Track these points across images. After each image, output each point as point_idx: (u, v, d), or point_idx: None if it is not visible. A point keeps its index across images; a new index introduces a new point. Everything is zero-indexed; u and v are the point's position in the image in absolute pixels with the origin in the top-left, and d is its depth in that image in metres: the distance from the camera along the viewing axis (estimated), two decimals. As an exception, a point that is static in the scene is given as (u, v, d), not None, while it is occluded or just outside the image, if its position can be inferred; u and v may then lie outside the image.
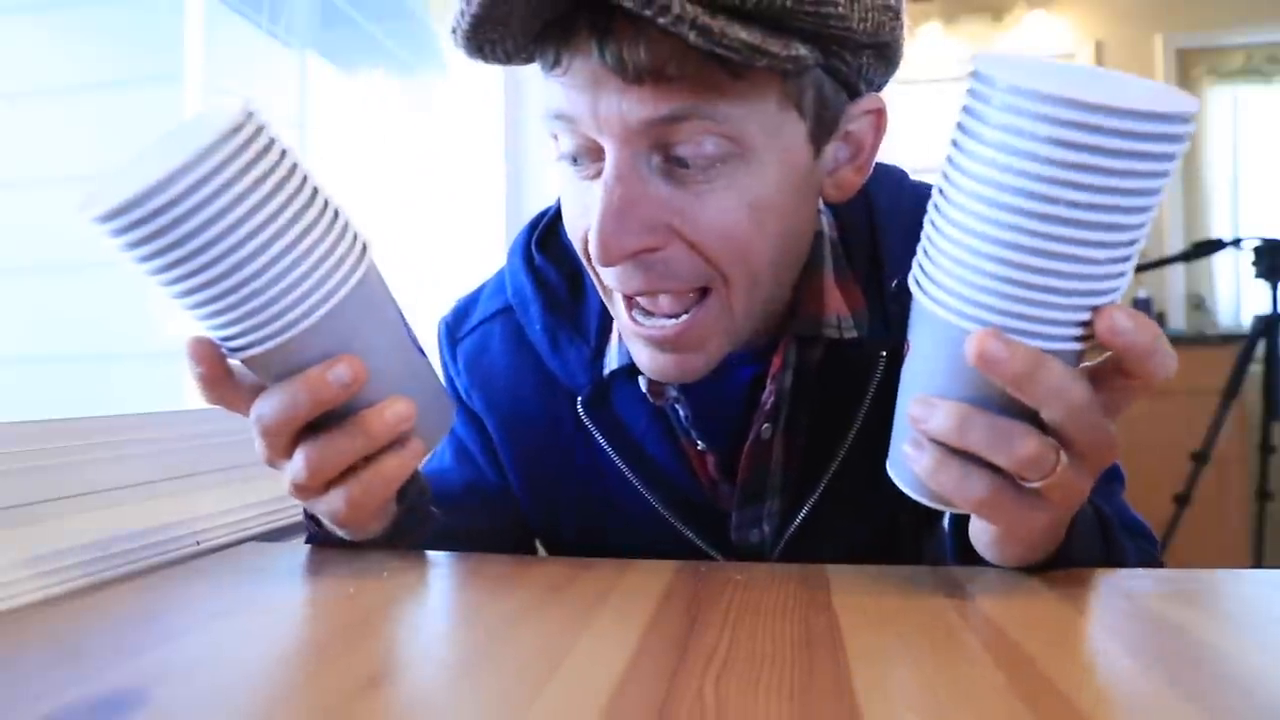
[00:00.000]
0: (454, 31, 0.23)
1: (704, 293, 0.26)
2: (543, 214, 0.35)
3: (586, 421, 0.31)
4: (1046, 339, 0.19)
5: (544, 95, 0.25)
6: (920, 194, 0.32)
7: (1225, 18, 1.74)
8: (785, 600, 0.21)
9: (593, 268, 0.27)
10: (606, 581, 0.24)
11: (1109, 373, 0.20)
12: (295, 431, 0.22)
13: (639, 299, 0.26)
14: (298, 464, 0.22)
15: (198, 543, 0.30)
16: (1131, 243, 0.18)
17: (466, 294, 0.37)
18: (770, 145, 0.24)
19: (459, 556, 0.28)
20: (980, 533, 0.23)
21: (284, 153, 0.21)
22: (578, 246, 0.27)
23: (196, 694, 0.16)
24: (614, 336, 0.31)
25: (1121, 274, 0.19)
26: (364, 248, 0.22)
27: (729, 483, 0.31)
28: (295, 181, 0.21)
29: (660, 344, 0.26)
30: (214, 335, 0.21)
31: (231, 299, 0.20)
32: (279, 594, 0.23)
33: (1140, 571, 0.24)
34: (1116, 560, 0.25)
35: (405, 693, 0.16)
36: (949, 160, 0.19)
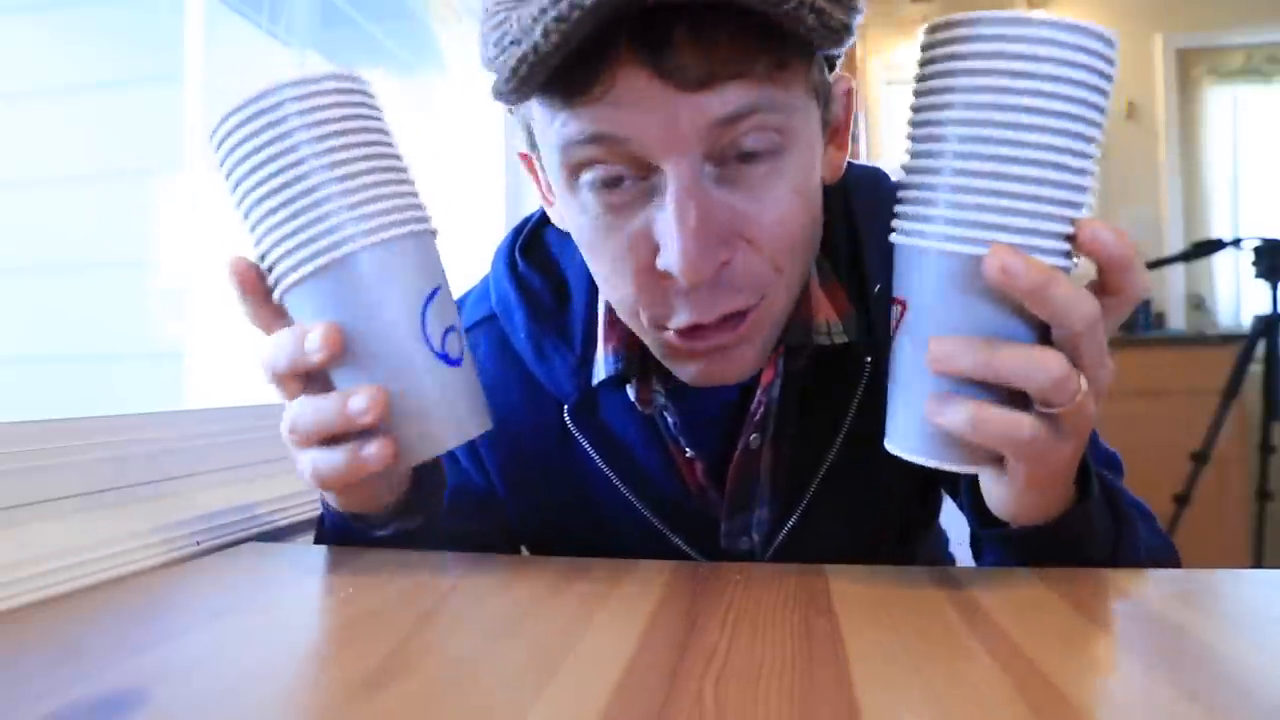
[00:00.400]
0: (515, 74, 0.21)
1: (754, 306, 0.25)
2: (525, 221, 0.35)
3: (574, 430, 0.31)
4: (1041, 253, 0.19)
5: (555, 127, 0.23)
6: (894, 193, 0.32)
7: (1225, 18, 1.74)
8: (785, 600, 0.21)
9: (633, 308, 0.25)
10: (606, 581, 0.24)
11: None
12: (290, 375, 0.23)
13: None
14: (285, 414, 0.24)
15: (198, 543, 0.30)
16: (1091, 156, 0.20)
17: None
18: (803, 132, 0.24)
19: (458, 557, 0.28)
20: (1001, 487, 0.23)
21: (372, 117, 0.23)
22: (613, 282, 0.25)
23: (197, 694, 0.16)
24: (600, 345, 0.31)
25: (1088, 186, 0.20)
26: (417, 223, 0.23)
27: (718, 490, 0.31)
28: (370, 138, 0.23)
29: (712, 350, 0.25)
30: (265, 261, 0.23)
31: (287, 212, 0.22)
32: (279, 594, 0.23)
33: (1141, 572, 0.24)
34: (1127, 530, 0.25)
35: (405, 693, 0.16)
36: (925, 103, 0.20)
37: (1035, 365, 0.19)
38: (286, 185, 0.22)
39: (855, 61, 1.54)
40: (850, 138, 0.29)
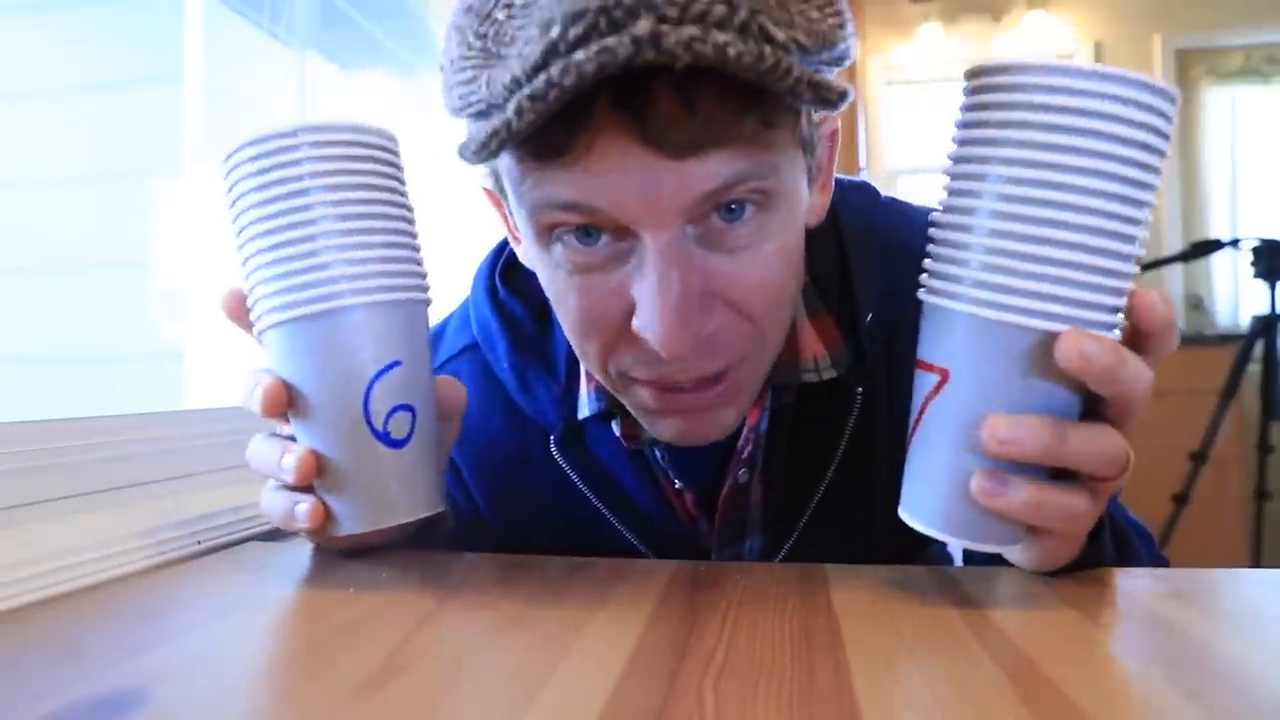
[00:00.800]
0: (484, 148, 0.19)
1: (733, 369, 0.24)
2: (500, 248, 0.34)
3: (561, 461, 0.30)
4: (1096, 326, 0.19)
5: (525, 187, 0.22)
6: (889, 218, 0.31)
7: (1224, 18, 1.74)
8: (785, 600, 0.21)
9: (601, 364, 0.24)
10: (606, 581, 0.24)
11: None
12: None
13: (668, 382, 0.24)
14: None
15: (199, 542, 0.30)
16: (1144, 222, 0.19)
17: (431, 327, 0.36)
18: (787, 187, 0.23)
19: (458, 556, 0.28)
20: (1024, 552, 0.22)
21: (389, 178, 0.23)
22: (581, 336, 0.24)
23: (197, 693, 0.16)
24: (584, 381, 0.30)
25: (1140, 252, 0.19)
26: (395, 291, 0.22)
27: (709, 520, 0.30)
28: (369, 195, 0.22)
29: (689, 410, 0.25)
30: (250, 296, 0.23)
31: (273, 255, 0.22)
32: (279, 594, 0.23)
33: (1139, 571, 0.24)
34: (1128, 554, 0.25)
35: (404, 692, 0.16)
36: (970, 154, 0.19)
37: (1101, 448, 0.19)
38: (284, 228, 0.22)
39: (855, 62, 1.54)
40: (834, 149, 0.28)
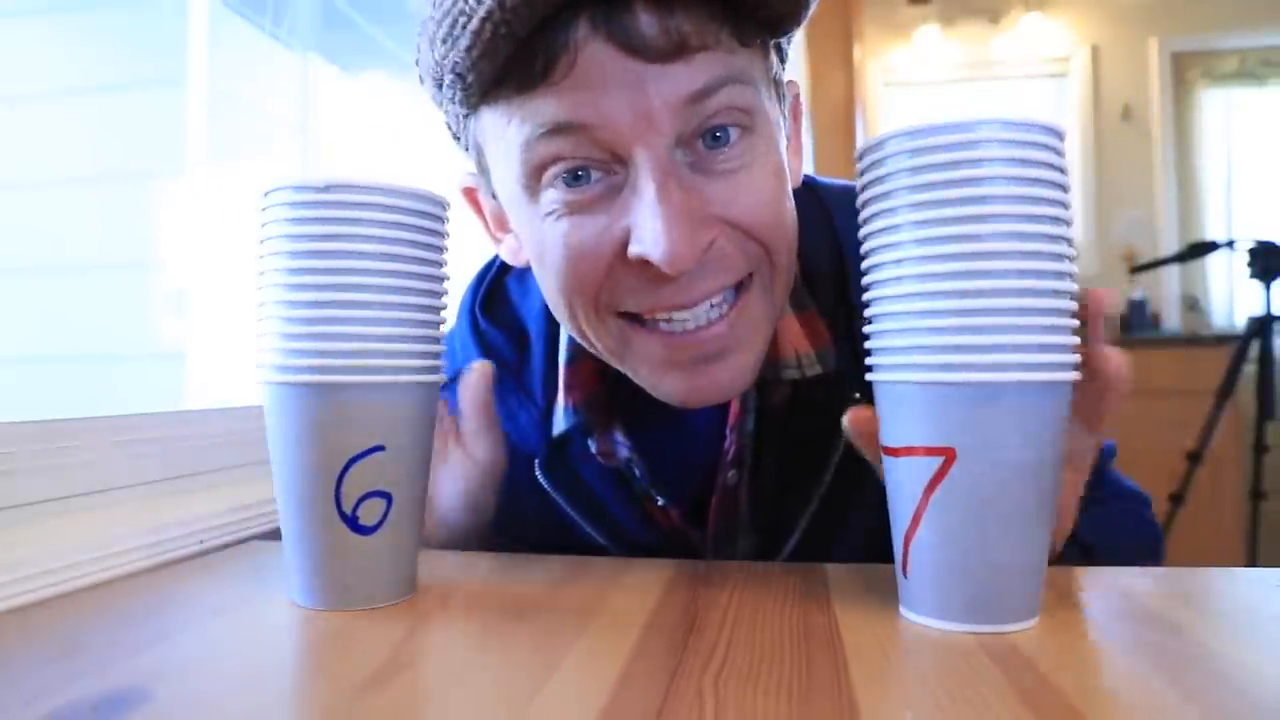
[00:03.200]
0: (453, 74, 0.20)
1: (740, 287, 0.24)
2: (483, 275, 0.34)
3: (545, 484, 0.30)
4: (1057, 369, 0.19)
5: (514, 127, 0.21)
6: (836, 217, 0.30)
7: (1220, 21, 1.75)
8: (785, 600, 0.22)
9: (592, 313, 0.23)
10: (606, 581, 0.24)
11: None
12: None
13: (675, 315, 0.23)
14: None
15: (199, 542, 0.30)
16: (1071, 257, 0.20)
17: None
18: (767, 116, 0.23)
19: (458, 555, 0.28)
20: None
21: (425, 246, 0.22)
22: (574, 281, 0.23)
23: (197, 692, 0.16)
24: (561, 396, 0.30)
25: (1074, 271, 0.20)
26: (423, 384, 0.21)
27: (698, 528, 0.30)
28: (407, 269, 0.21)
29: (698, 359, 0.24)
30: (261, 345, 0.22)
31: (286, 314, 0.21)
32: (280, 593, 0.23)
33: (1137, 571, 0.24)
34: (1109, 545, 0.25)
35: (404, 692, 0.16)
36: (905, 232, 0.19)
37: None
38: (296, 288, 0.21)
39: (853, 64, 1.54)
40: (798, 114, 0.28)
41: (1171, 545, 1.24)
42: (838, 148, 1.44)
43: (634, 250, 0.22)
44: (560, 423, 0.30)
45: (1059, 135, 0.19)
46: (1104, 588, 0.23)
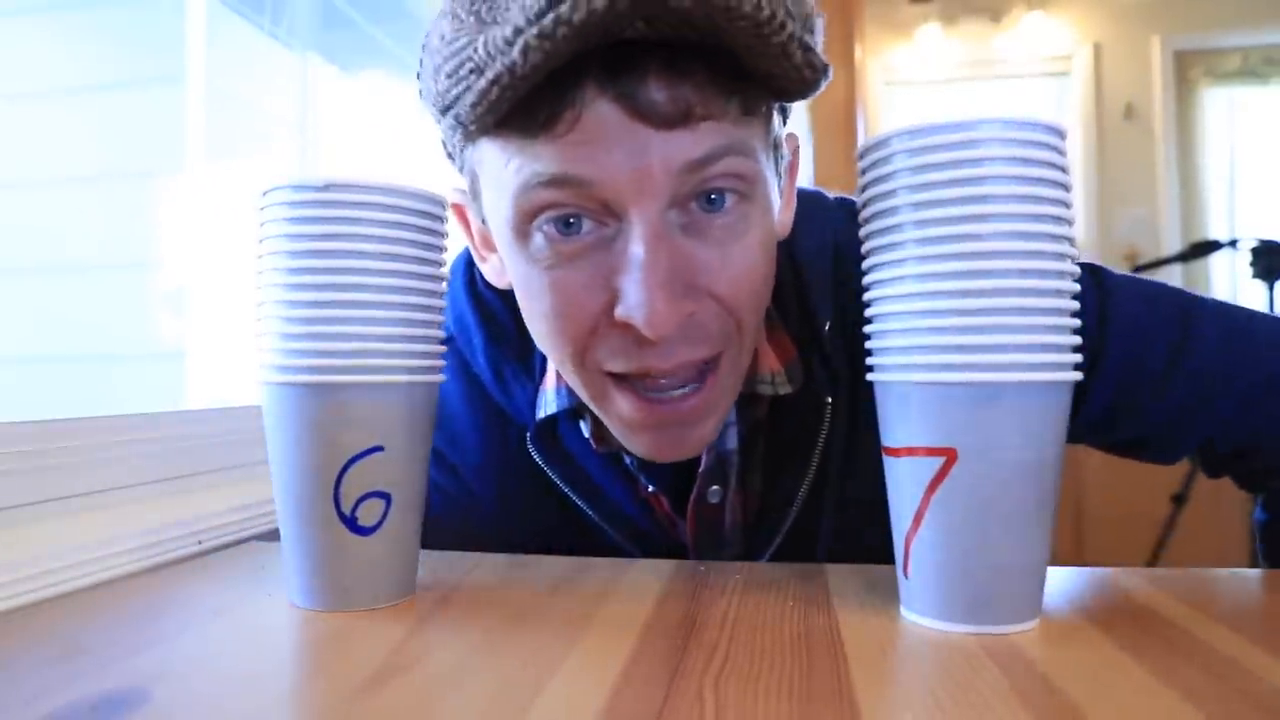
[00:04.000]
0: (484, 99, 0.19)
1: (710, 362, 0.24)
2: None
3: (537, 458, 0.30)
4: (1071, 370, 0.19)
5: (511, 169, 0.21)
6: (840, 222, 0.30)
7: (1222, 20, 1.75)
8: (785, 600, 0.21)
9: (577, 359, 0.24)
10: (607, 581, 0.24)
11: None
12: None
13: (648, 380, 0.23)
14: None
15: (199, 542, 0.30)
16: (1071, 256, 0.19)
17: None
18: (763, 181, 0.24)
19: (458, 556, 0.28)
20: None
21: (423, 246, 0.22)
22: (558, 334, 0.23)
23: (197, 693, 0.16)
24: (551, 377, 0.29)
25: (1073, 268, 0.20)
26: (417, 372, 0.21)
27: (685, 521, 0.30)
28: (405, 268, 0.21)
29: (670, 423, 0.24)
30: (261, 345, 0.22)
31: (285, 314, 0.21)
32: (279, 594, 0.23)
33: (1138, 571, 0.24)
34: None
35: (404, 692, 0.16)
36: (908, 232, 0.18)
37: None
38: (295, 287, 0.20)
39: (854, 63, 1.54)
40: (795, 168, 0.28)
41: (1174, 546, 1.24)
42: (838, 147, 1.43)
43: (619, 313, 0.22)
44: (550, 404, 0.29)
45: (1060, 134, 0.19)
46: (1104, 588, 0.23)
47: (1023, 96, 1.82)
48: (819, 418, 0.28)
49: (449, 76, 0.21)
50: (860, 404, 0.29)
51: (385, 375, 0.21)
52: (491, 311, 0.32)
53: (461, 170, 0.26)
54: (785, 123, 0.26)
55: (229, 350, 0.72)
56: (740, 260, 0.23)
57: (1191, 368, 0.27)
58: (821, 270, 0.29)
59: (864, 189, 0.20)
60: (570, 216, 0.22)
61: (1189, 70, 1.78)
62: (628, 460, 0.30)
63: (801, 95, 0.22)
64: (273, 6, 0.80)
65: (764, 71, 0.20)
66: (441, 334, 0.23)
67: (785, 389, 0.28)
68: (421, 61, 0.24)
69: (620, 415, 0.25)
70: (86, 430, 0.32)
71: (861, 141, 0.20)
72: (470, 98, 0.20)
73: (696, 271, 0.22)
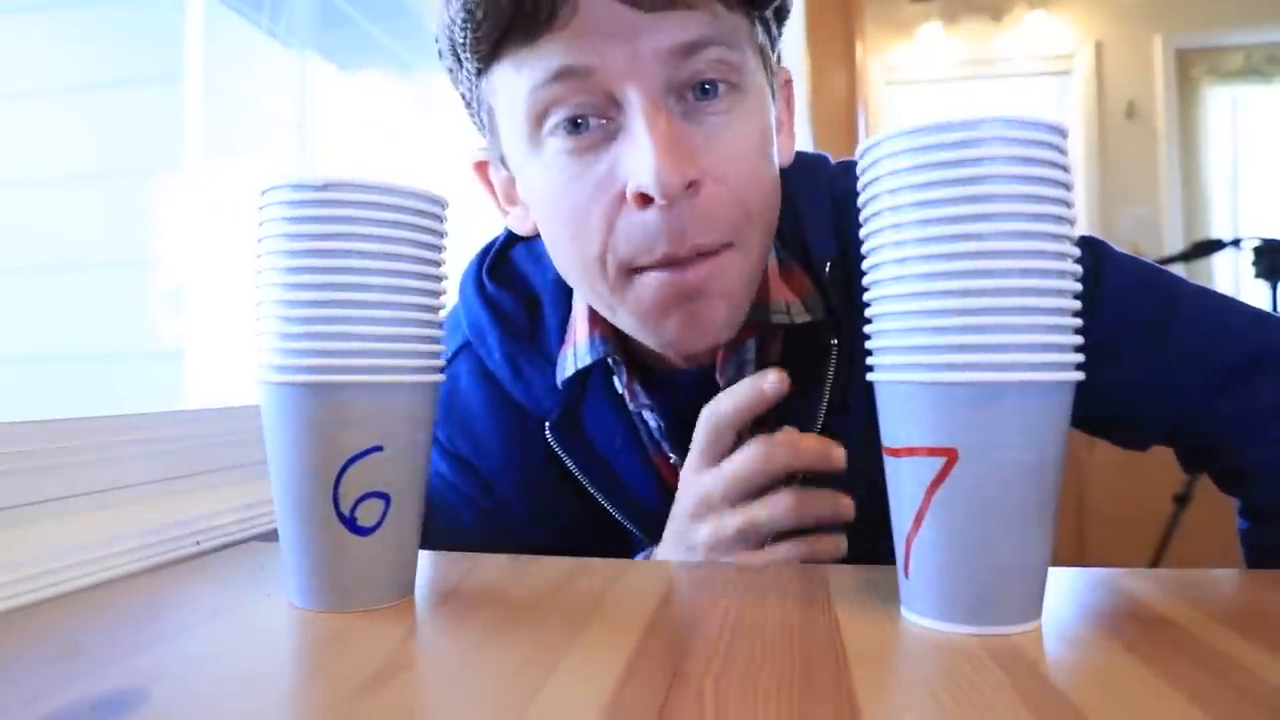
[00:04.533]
0: (466, 32, 0.23)
1: (725, 248, 0.25)
2: (489, 246, 0.35)
3: (556, 446, 0.30)
4: (1073, 369, 0.19)
5: (522, 77, 0.24)
6: (839, 168, 0.32)
7: (1225, 18, 1.74)
8: (785, 601, 0.21)
9: (600, 262, 0.25)
10: (606, 581, 0.24)
11: None
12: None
13: (665, 259, 0.25)
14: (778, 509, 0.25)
15: (198, 543, 0.30)
16: (1071, 256, 0.20)
17: None
18: (754, 80, 0.26)
19: (458, 556, 0.28)
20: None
21: (423, 245, 0.22)
22: (581, 225, 0.25)
23: (196, 694, 0.16)
24: (579, 335, 0.30)
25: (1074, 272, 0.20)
26: (421, 373, 0.21)
27: None
28: (406, 268, 0.21)
29: (687, 297, 0.25)
30: (260, 344, 0.22)
31: (283, 313, 0.21)
32: (278, 595, 0.23)
33: (1139, 571, 0.24)
34: None
35: (404, 692, 0.16)
36: (909, 230, 0.18)
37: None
38: (294, 286, 0.20)
39: (855, 62, 1.54)
40: (791, 97, 0.30)
41: (1175, 546, 1.24)
42: (839, 146, 1.43)
43: (630, 189, 0.24)
44: (584, 356, 0.30)
45: (1062, 134, 0.19)
46: (1106, 588, 0.23)
47: (1024, 96, 1.81)
48: (826, 357, 0.29)
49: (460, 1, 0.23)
50: (859, 348, 0.29)
51: (385, 375, 0.21)
52: (503, 310, 0.33)
53: (479, 114, 0.28)
54: (774, 45, 0.28)
55: (228, 349, 0.72)
56: (738, 145, 0.25)
57: (1170, 344, 0.28)
58: (822, 217, 0.30)
59: (864, 189, 0.20)
60: (577, 117, 0.24)
61: (1191, 69, 1.78)
62: (653, 425, 0.30)
63: (764, 2, 0.24)
64: (271, 5, 0.80)
65: None
66: (441, 334, 0.23)
67: (803, 317, 0.29)
68: (436, 22, 0.26)
69: (641, 302, 0.26)
70: (86, 430, 0.32)
71: (862, 141, 0.20)
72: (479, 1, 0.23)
73: (696, 149, 0.24)
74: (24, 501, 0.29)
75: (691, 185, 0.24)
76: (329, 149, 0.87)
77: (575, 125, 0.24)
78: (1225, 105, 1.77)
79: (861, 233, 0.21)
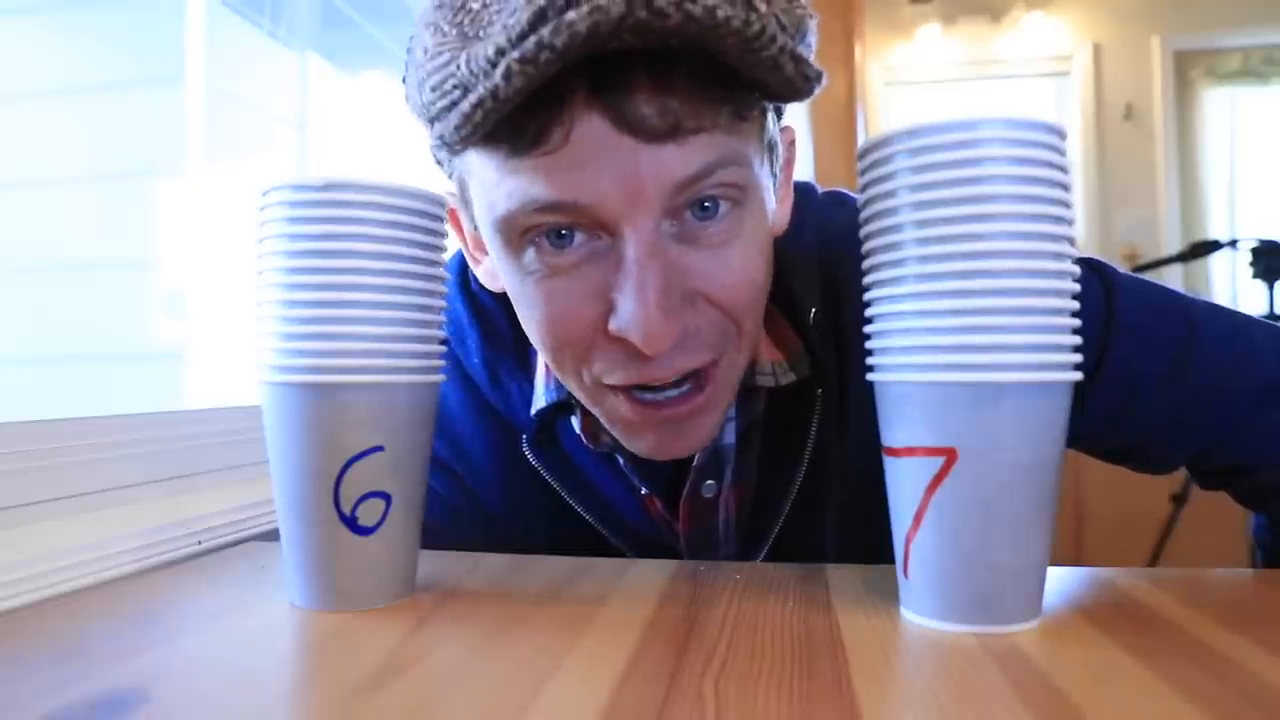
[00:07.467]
0: (468, 121, 0.19)
1: (710, 364, 0.24)
2: None
3: (533, 461, 0.29)
4: (1072, 370, 0.19)
5: (502, 190, 0.21)
6: (824, 211, 0.30)
7: (1223, 20, 1.75)
8: (785, 600, 0.21)
9: (575, 370, 0.24)
10: (606, 581, 0.24)
11: None
12: None
13: (646, 388, 0.23)
14: None
15: (198, 542, 0.30)
16: (1069, 257, 0.19)
17: None
18: (757, 185, 0.23)
19: (458, 556, 0.28)
20: None
21: (422, 245, 0.22)
22: (554, 346, 0.23)
23: (196, 694, 0.16)
24: (540, 374, 0.29)
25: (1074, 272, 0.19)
26: (418, 373, 0.21)
27: (679, 522, 0.30)
28: (403, 268, 0.21)
29: (669, 422, 0.24)
30: (261, 345, 0.22)
31: (284, 314, 0.21)
32: (279, 594, 0.23)
33: (1138, 571, 0.24)
34: None
35: (404, 693, 0.16)
36: (909, 232, 0.18)
37: None
38: (295, 287, 0.20)
39: (854, 63, 1.54)
40: (792, 160, 0.27)
41: (1174, 546, 1.24)
42: (838, 147, 1.44)
43: (614, 327, 0.22)
44: (541, 398, 0.29)
45: (1060, 134, 0.19)
46: (1104, 588, 0.23)
47: (1023, 96, 1.81)
48: (810, 408, 0.28)
49: (434, 90, 0.21)
50: (848, 395, 0.29)
51: (385, 375, 0.21)
52: (486, 312, 0.32)
53: (450, 177, 0.26)
54: (780, 119, 0.26)
55: (229, 350, 0.72)
56: (736, 265, 0.23)
57: (1194, 373, 0.27)
58: (806, 259, 0.29)
59: (864, 189, 0.20)
60: (563, 228, 0.22)
61: (1189, 70, 1.78)
62: (621, 460, 0.30)
63: (794, 99, 0.21)
64: (272, 6, 0.80)
65: (754, 79, 0.20)
66: (441, 334, 0.23)
67: (787, 378, 0.28)
68: (407, 67, 0.24)
69: (619, 418, 0.25)
70: (86, 430, 0.32)
71: (861, 141, 0.20)
72: (455, 118, 0.20)
73: (692, 279, 0.22)
74: (24, 501, 0.29)
75: (682, 327, 0.22)
76: (330, 150, 0.87)
77: (560, 236, 0.22)
78: (1223, 107, 1.78)
79: (861, 233, 0.20)
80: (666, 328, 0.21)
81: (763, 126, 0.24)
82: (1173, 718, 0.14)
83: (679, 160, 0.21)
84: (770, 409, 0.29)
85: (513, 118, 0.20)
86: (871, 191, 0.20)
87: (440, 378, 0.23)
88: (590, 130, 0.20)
